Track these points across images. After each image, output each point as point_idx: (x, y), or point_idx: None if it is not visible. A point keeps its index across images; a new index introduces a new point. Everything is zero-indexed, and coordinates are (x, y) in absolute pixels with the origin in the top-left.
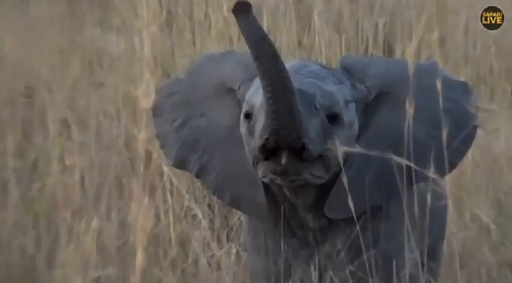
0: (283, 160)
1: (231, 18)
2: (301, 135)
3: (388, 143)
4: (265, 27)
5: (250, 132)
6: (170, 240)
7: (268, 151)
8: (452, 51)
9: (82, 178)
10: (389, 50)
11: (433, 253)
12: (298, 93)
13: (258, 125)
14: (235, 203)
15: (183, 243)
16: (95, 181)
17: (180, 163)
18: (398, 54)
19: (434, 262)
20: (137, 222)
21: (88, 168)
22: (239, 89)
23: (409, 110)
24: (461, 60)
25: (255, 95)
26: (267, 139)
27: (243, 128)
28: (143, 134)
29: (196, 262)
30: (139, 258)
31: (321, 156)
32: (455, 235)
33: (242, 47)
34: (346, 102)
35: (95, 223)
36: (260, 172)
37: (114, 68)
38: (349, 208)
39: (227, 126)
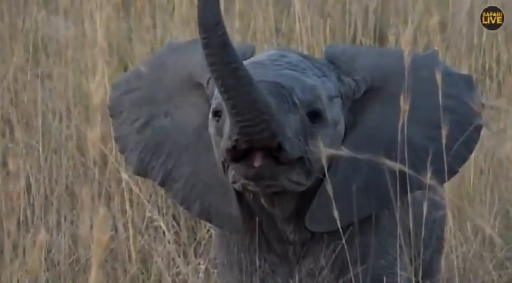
0: (257, 163)
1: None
2: (276, 132)
3: (379, 145)
4: (237, 10)
5: (219, 132)
6: (130, 255)
7: (239, 153)
8: (454, 39)
9: (28, 185)
10: (381, 38)
11: (429, 271)
12: (273, 86)
13: (227, 123)
14: (206, 215)
15: (145, 258)
16: (43, 188)
17: (142, 171)
18: (391, 42)
19: (431, 281)
20: (92, 235)
21: (35, 173)
22: (208, 83)
23: (404, 107)
24: (464, 49)
25: None
26: (236, 140)
27: (211, 128)
28: (97, 134)
29: (159, 280)
30: (95, 276)
31: (300, 159)
32: (455, 249)
33: None
34: (330, 98)
35: (43, 237)
36: (231, 177)
37: (63, 57)
38: (334, 220)
39: (195, 127)
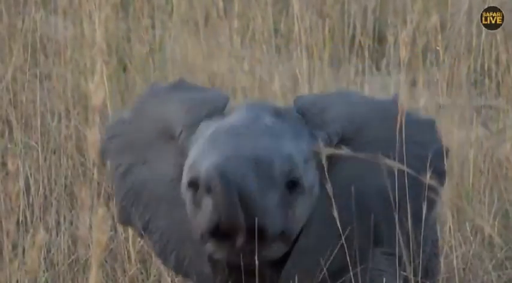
0: (239, 242)
1: (197, 1)
2: (258, 218)
3: (350, 197)
4: (235, 11)
5: (197, 204)
6: (129, 256)
7: (221, 231)
8: (452, 39)
9: (27, 185)
10: (380, 38)
11: (430, 274)
12: (254, 162)
13: (207, 203)
14: (181, 270)
15: (144, 259)
16: (42, 189)
17: (125, 219)
18: (390, 42)
19: (430, 282)
20: (91, 236)
21: (34, 173)
22: (179, 136)
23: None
24: (463, 49)
25: (201, 158)
26: (218, 223)
27: (186, 196)
28: (96, 134)
29: (159, 280)
30: (94, 276)
31: (282, 233)
32: (454, 250)
33: (208, 33)
34: (306, 161)
35: (42, 237)
36: (209, 250)
37: (62, 57)
38: (309, 275)
39: (171, 179)
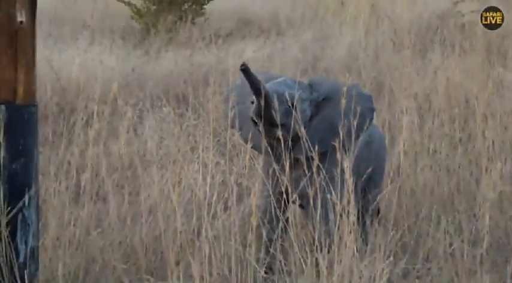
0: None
1: None
2: (275, 116)
3: (328, 124)
4: None
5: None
6: None
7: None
8: None
9: None
10: None
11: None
12: (275, 93)
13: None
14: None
15: None
16: None
17: (233, 126)
18: None
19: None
20: None
21: None
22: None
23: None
24: None
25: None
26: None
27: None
28: None
29: None
30: None
31: (283, 125)
32: None
33: None
34: (302, 100)
35: None
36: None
37: None
38: (306, 152)
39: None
